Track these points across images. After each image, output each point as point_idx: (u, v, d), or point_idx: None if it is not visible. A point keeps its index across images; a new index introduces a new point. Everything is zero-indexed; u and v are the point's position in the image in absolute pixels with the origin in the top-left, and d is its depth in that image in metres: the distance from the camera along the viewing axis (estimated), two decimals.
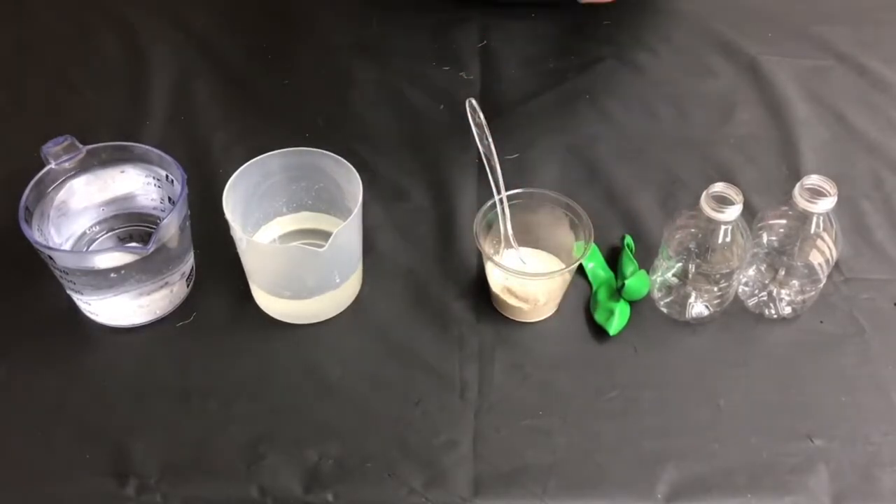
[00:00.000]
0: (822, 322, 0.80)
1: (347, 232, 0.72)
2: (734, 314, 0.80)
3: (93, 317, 0.77)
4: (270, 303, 0.78)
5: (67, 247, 0.77)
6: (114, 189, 0.79)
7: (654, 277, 0.80)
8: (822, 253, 0.75)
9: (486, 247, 0.77)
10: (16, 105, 0.97)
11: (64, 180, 0.76)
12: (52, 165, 0.75)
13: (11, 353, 0.76)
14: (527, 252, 0.81)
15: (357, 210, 0.72)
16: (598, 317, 0.78)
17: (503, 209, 0.78)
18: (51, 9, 1.08)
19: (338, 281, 0.76)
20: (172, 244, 0.73)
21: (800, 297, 0.78)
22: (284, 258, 0.76)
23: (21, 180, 0.73)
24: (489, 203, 0.78)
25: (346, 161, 0.75)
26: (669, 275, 0.77)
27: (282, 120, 0.94)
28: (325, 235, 0.73)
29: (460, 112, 0.79)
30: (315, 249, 0.71)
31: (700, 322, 0.79)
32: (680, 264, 0.76)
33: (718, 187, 0.72)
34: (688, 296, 0.78)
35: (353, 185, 0.74)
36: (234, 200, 0.74)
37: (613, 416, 0.73)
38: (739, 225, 0.73)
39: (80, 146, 0.75)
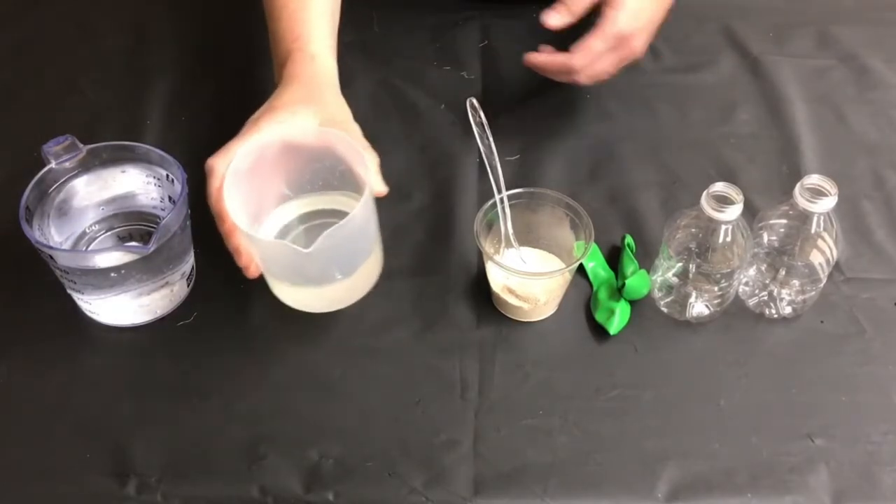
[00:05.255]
0: (822, 322, 0.79)
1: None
2: (734, 314, 0.80)
3: (93, 316, 0.77)
4: (282, 290, 0.75)
5: (67, 246, 0.77)
6: (114, 188, 0.79)
7: (654, 277, 0.80)
8: (823, 253, 0.75)
9: (487, 246, 0.77)
10: (16, 104, 0.97)
11: (65, 180, 0.76)
12: (53, 165, 0.75)
13: (11, 353, 0.76)
14: (527, 251, 0.81)
15: (359, 207, 0.68)
16: (599, 316, 0.78)
17: (504, 209, 0.78)
18: (51, 8, 1.08)
19: (339, 277, 0.73)
20: (173, 244, 0.73)
21: (800, 297, 0.78)
22: (275, 252, 0.72)
23: (22, 180, 0.73)
24: (490, 202, 0.78)
25: (357, 146, 0.72)
26: (670, 274, 0.77)
27: None
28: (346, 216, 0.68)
29: (461, 112, 0.79)
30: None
31: (700, 322, 0.79)
32: (680, 264, 0.76)
33: (719, 187, 0.72)
34: (688, 295, 0.77)
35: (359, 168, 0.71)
36: (233, 185, 0.70)
37: (613, 416, 0.73)
38: (740, 224, 0.73)
39: (81, 146, 0.75)
